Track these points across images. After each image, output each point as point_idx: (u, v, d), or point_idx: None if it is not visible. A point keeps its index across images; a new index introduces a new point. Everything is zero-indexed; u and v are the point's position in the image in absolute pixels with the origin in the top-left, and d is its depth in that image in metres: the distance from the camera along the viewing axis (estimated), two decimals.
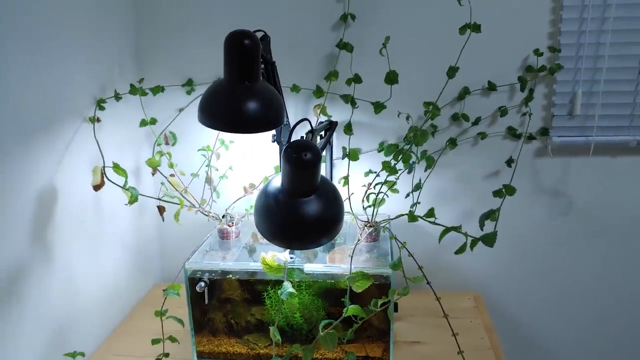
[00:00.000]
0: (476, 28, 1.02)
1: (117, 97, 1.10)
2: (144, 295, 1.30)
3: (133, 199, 0.94)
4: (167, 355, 0.96)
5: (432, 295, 0.89)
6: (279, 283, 0.95)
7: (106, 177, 0.95)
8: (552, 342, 1.34)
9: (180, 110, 1.23)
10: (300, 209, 0.87)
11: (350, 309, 0.88)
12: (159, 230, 1.34)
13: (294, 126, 0.96)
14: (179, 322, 0.93)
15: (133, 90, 1.12)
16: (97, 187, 0.97)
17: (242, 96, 0.91)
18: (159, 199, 1.04)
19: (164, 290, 0.93)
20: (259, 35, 0.94)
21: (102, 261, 1.11)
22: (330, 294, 0.98)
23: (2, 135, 0.81)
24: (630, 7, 1.10)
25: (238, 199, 1.17)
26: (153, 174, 1.19)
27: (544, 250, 1.27)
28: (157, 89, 1.17)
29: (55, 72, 0.94)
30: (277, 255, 0.95)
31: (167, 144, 1.21)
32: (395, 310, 1.03)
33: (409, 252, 0.92)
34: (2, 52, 0.81)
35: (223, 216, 1.11)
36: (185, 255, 1.01)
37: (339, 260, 1.02)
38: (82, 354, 0.89)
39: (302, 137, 0.96)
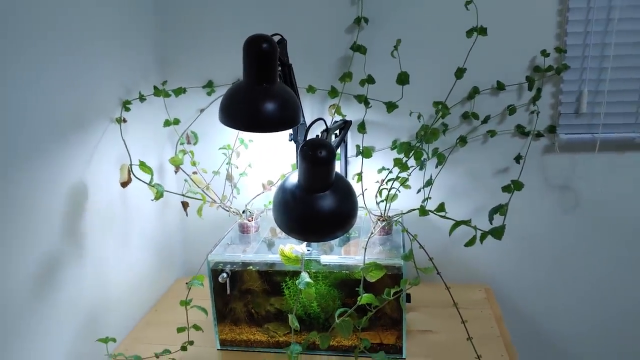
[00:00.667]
0: (482, 31, 1.06)
1: (142, 98, 1.16)
2: (167, 288, 1.36)
3: (159, 195, 1.00)
4: (191, 343, 1.02)
5: (443, 287, 0.93)
6: (296, 274, 1.01)
7: (133, 174, 1.01)
8: (560, 333, 1.38)
9: (201, 110, 1.29)
10: (316, 204, 0.92)
11: (364, 297, 0.93)
12: (181, 226, 1.40)
13: (310, 125, 1.01)
14: (203, 311, 0.99)
15: (157, 92, 1.18)
16: (124, 184, 1.03)
17: (260, 97, 0.96)
18: (183, 195, 1.09)
19: (186, 282, 0.99)
20: (276, 39, 0.99)
21: (128, 255, 1.17)
22: (345, 284, 1.03)
23: (39, 134, 0.88)
24: (634, 9, 1.13)
25: (257, 195, 1.23)
26: (176, 172, 1.25)
27: (552, 244, 1.31)
28: (179, 91, 1.23)
29: (85, 76, 1.00)
30: (294, 248, 1.00)
31: (189, 143, 1.27)
32: (408, 300, 1.08)
33: (419, 244, 0.97)
34: (39, 60, 0.87)
35: (243, 211, 1.17)
36: (207, 250, 1.07)
37: (353, 253, 1.07)
38: (114, 340, 0.95)
39: (317, 135, 1.01)
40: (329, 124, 1.11)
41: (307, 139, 0.95)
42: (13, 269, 0.82)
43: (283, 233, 1.13)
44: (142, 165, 1.00)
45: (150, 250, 1.27)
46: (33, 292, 0.87)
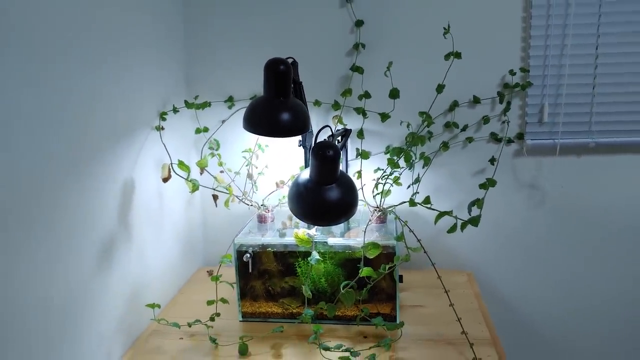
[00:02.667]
0: (458, 55, 1.29)
1: (175, 110, 1.38)
2: (190, 275, 1.54)
3: (195, 188, 1.21)
4: (218, 314, 1.21)
5: (431, 273, 1.11)
6: (307, 255, 1.21)
7: (173, 171, 1.22)
8: (529, 306, 1.57)
9: (223, 121, 1.51)
10: (324, 195, 1.13)
11: (365, 271, 1.13)
12: (202, 223, 1.60)
13: (319, 131, 1.22)
14: (231, 285, 1.19)
15: (188, 105, 1.40)
16: (165, 180, 1.24)
17: (277, 109, 1.17)
18: (214, 189, 1.30)
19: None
20: (290, 61, 1.21)
21: (161, 244, 1.36)
22: (348, 264, 1.22)
23: (100, 138, 1.07)
24: (583, 37, 1.37)
25: (271, 192, 1.44)
26: (201, 174, 1.45)
27: (523, 234, 1.51)
28: (205, 104, 1.44)
29: (134, 92, 1.20)
30: (307, 232, 1.21)
31: (211, 149, 1.48)
32: (400, 281, 1.27)
33: (409, 228, 1.18)
34: (103, 82, 1.08)
35: (261, 205, 1.37)
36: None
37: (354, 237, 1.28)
38: (159, 306, 1.15)
39: (325, 139, 1.23)
40: (333, 131, 1.32)
41: (317, 141, 1.17)
42: (80, 248, 1.01)
43: (294, 224, 1.34)
44: (181, 164, 1.21)
45: (178, 242, 1.46)
46: (94, 268, 1.05)
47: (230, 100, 1.49)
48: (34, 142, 0.87)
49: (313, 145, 1.13)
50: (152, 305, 1.14)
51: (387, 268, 1.13)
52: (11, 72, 0.82)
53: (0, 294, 0.80)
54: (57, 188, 0.94)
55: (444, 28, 1.30)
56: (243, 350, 1.13)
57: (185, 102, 1.42)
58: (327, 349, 1.07)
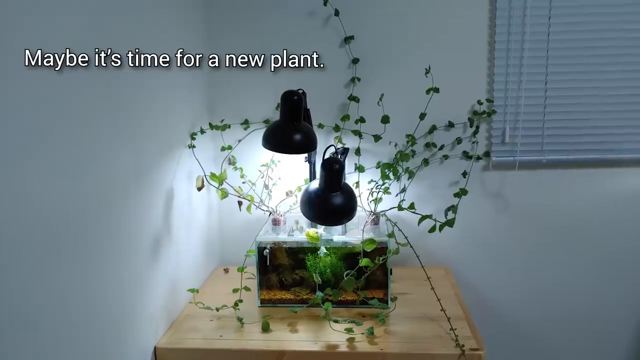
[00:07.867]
0: (436, 90, 1.60)
1: (202, 132, 1.64)
2: (210, 273, 1.79)
3: (224, 195, 1.47)
4: (241, 301, 1.47)
5: (416, 269, 1.39)
6: (315, 251, 1.48)
7: (207, 181, 1.48)
8: (495, 292, 1.84)
9: (239, 141, 1.77)
10: (331, 200, 1.40)
11: (364, 261, 1.40)
12: (218, 229, 1.86)
13: (326, 149, 1.50)
14: (254, 275, 1.45)
15: (215, 127, 1.67)
16: (199, 189, 1.50)
17: (291, 131, 1.45)
18: (239, 196, 1.57)
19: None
20: (300, 92, 1.50)
21: (190, 244, 1.60)
22: (348, 259, 1.50)
23: (151, 153, 1.32)
24: (535, 75, 1.69)
25: (282, 200, 1.70)
26: (221, 185, 1.71)
27: (491, 236, 1.80)
28: (225, 126, 1.71)
29: (171, 118, 1.47)
30: (316, 231, 1.48)
31: (229, 164, 1.74)
32: (390, 273, 1.55)
33: (398, 228, 1.46)
34: (155, 114, 1.35)
35: (275, 211, 1.64)
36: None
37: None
38: (197, 291, 1.40)
39: (331, 155, 1.51)
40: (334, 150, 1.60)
41: (325, 157, 1.45)
42: (138, 244, 1.25)
43: (302, 226, 1.61)
44: (213, 175, 1.48)
45: (201, 243, 1.71)
46: (148, 260, 1.30)
47: (245, 123, 1.77)
48: (108, 156, 1.13)
49: (322, 160, 1.41)
50: (192, 290, 1.40)
51: (381, 259, 1.41)
52: (93, 112, 1.09)
53: (85, 280, 1.05)
54: (122, 197, 1.19)
55: (426, 69, 1.61)
56: (265, 327, 1.38)
57: (210, 124, 1.69)
58: (336, 321, 1.34)
